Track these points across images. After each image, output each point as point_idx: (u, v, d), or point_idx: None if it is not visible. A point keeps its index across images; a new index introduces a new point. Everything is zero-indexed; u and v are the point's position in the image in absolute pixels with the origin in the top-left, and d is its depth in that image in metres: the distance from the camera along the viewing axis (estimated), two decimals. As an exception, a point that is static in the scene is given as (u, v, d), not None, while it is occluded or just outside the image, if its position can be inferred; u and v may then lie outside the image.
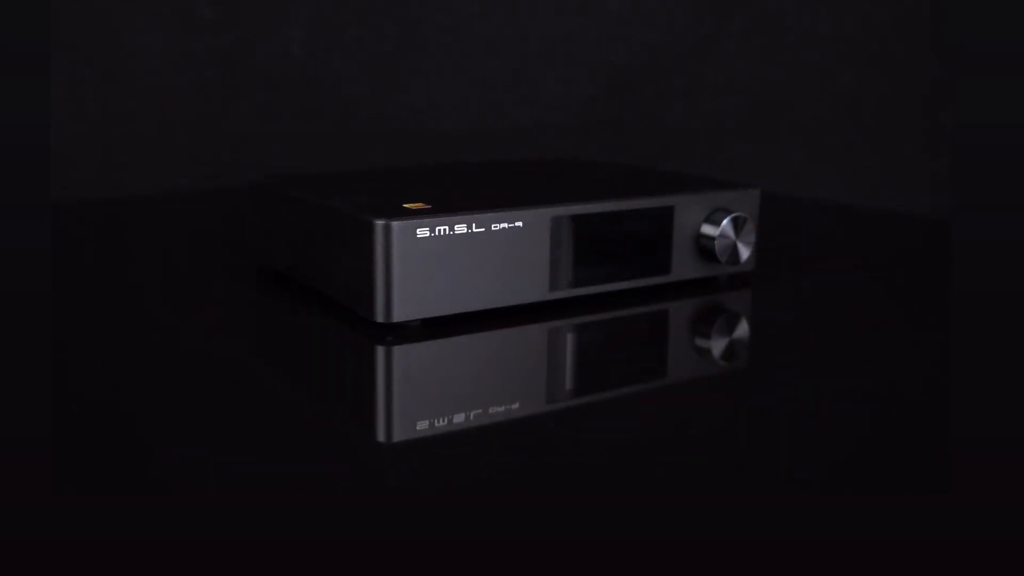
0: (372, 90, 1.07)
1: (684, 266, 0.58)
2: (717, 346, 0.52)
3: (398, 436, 0.41)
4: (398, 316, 0.49)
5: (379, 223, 0.48)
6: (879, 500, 0.34)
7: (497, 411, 0.42)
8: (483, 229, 0.50)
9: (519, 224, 0.51)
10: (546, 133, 1.12)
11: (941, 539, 0.31)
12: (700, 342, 0.53)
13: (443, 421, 0.41)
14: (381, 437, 0.41)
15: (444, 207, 0.50)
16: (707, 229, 0.57)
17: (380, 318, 0.49)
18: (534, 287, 0.53)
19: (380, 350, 0.48)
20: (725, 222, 0.57)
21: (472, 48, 1.09)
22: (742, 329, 0.55)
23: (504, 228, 0.51)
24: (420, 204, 0.51)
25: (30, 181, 0.42)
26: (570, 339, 0.53)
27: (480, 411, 0.42)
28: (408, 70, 1.08)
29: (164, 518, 0.32)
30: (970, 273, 0.43)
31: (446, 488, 0.35)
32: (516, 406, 0.44)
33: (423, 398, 0.45)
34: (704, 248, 0.58)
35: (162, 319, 0.54)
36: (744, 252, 0.58)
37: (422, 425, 0.41)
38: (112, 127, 1.00)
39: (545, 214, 0.52)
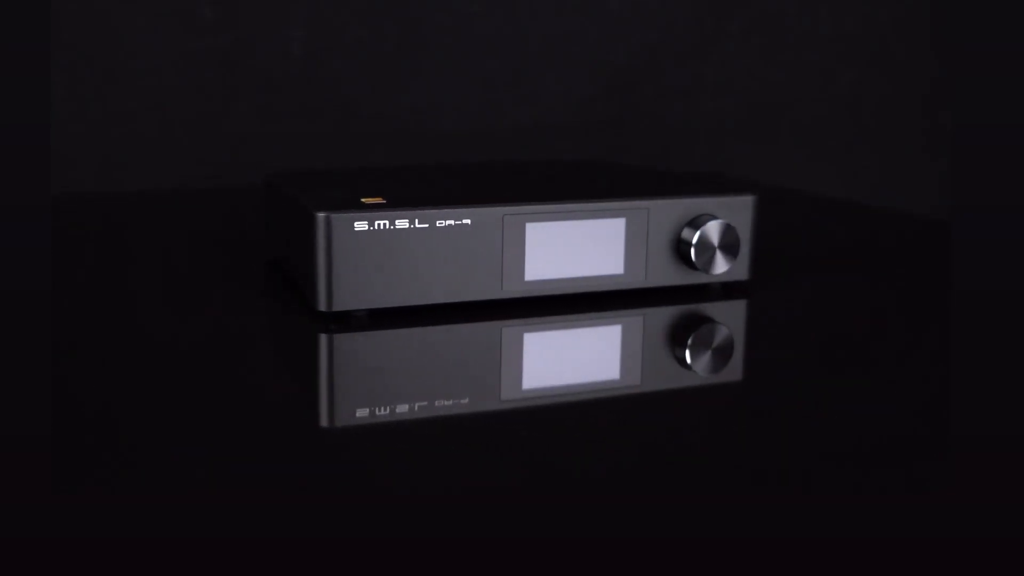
0: (372, 90, 1.07)
1: (661, 272, 0.56)
2: (683, 353, 0.51)
3: (337, 422, 0.42)
4: (338, 305, 0.50)
5: (320, 215, 0.50)
6: (879, 500, 0.34)
7: (444, 404, 0.43)
8: (427, 225, 0.51)
9: (467, 221, 0.52)
10: (546, 133, 1.12)
11: (941, 539, 0.31)
12: (664, 348, 0.52)
13: (384, 410, 0.42)
14: (324, 422, 0.41)
15: (397, 202, 0.52)
16: (686, 234, 0.56)
17: (322, 307, 0.51)
18: (486, 284, 0.53)
19: (322, 338, 0.50)
20: (704, 229, 0.55)
21: (472, 48, 1.09)
22: (719, 337, 0.54)
23: (450, 225, 0.51)
24: (378, 199, 0.52)
25: (30, 181, 0.42)
26: (524, 338, 0.52)
27: (426, 403, 0.43)
28: (408, 70, 1.08)
29: (164, 518, 0.32)
30: (970, 273, 0.43)
31: (381, 478, 0.35)
32: (465, 400, 0.44)
33: (363, 386, 0.46)
34: (683, 254, 0.56)
35: (159, 318, 0.54)
36: (723, 261, 0.56)
37: (362, 413, 0.42)
38: (112, 127, 1.00)
39: (496, 212, 0.52)
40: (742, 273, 0.58)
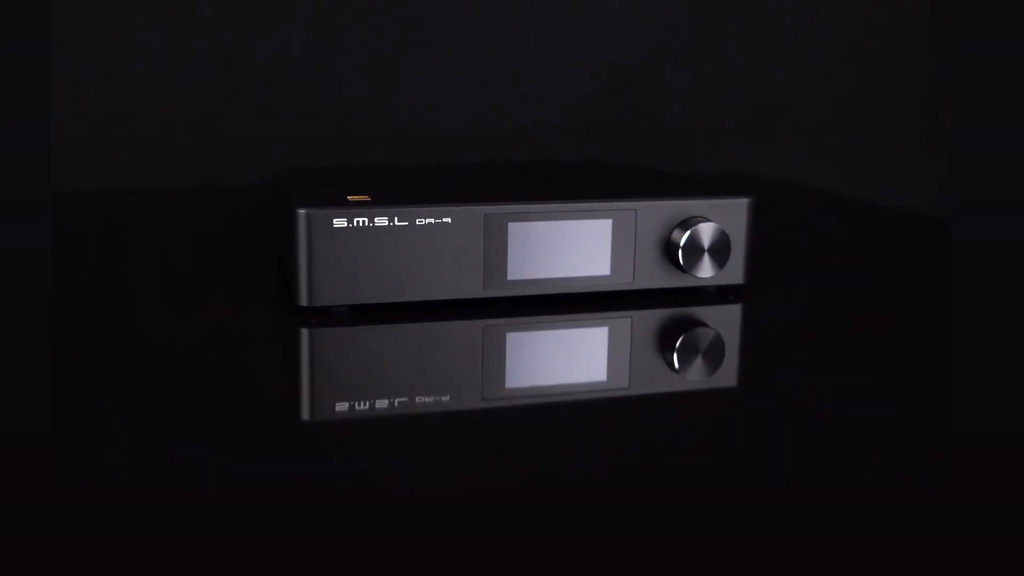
0: (372, 90, 1.07)
1: (650, 274, 0.56)
2: (670, 355, 0.50)
3: (315, 416, 0.42)
4: (318, 301, 0.51)
5: (301, 211, 0.50)
6: (879, 500, 0.34)
7: (425, 401, 0.43)
8: (406, 223, 0.51)
9: (447, 220, 0.52)
10: (546, 133, 1.12)
11: (941, 539, 0.31)
12: (652, 350, 0.52)
13: (364, 405, 0.42)
14: (304, 416, 0.42)
15: (382, 200, 0.52)
16: (675, 236, 0.55)
17: (303, 302, 0.51)
18: (467, 283, 0.53)
19: (303, 333, 0.51)
20: (692, 232, 0.54)
21: (472, 48, 1.09)
22: (708, 340, 0.53)
23: (430, 223, 0.52)
24: (364, 197, 0.53)
25: (30, 180, 0.42)
26: (507, 338, 0.53)
27: (405, 399, 0.43)
28: (408, 70, 1.08)
29: (164, 518, 0.32)
30: (970, 273, 0.43)
31: (359, 473, 0.35)
32: (446, 398, 0.44)
33: (343, 381, 0.47)
34: (672, 256, 0.55)
35: (153, 316, 0.54)
36: (710, 265, 0.55)
37: (341, 407, 0.42)
38: (112, 127, 1.00)
39: (477, 212, 0.52)
40: (736, 276, 0.57)
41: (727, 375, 0.49)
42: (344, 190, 0.54)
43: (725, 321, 0.56)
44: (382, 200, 0.52)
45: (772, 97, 1.20)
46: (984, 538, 0.31)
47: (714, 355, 0.51)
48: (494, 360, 0.50)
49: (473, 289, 0.53)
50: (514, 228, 0.53)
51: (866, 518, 0.33)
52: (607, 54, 1.14)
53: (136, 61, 1.00)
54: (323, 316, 0.52)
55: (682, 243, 0.55)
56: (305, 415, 0.42)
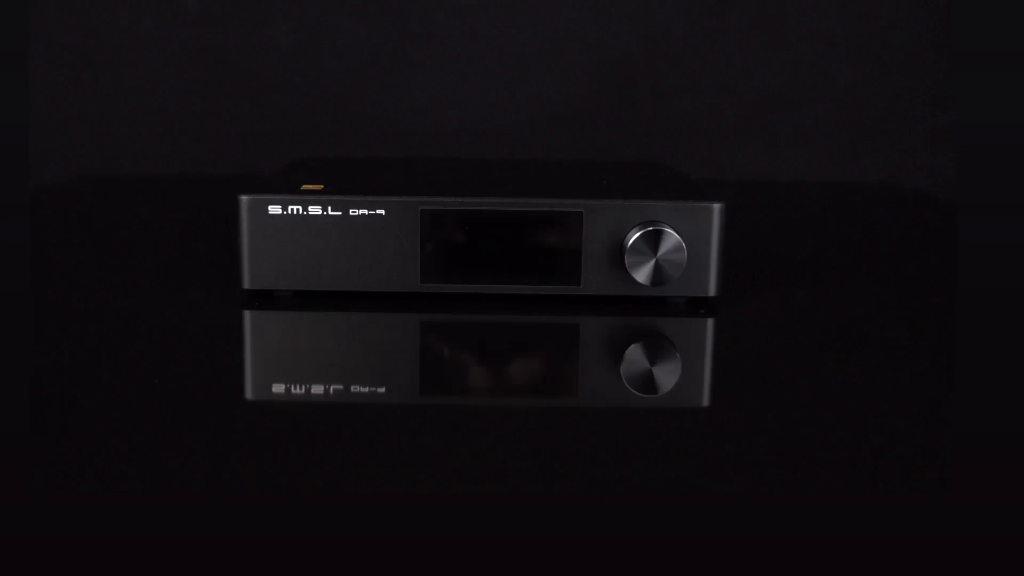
0: (371, 89, 1.07)
1: (598, 280, 0.53)
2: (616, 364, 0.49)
3: (254, 396, 0.44)
4: (257, 284, 0.53)
5: (243, 198, 0.53)
6: (879, 500, 0.34)
7: (360, 391, 0.44)
8: (340, 213, 0.52)
9: (381, 212, 0.52)
10: (546, 132, 1.12)
11: (941, 539, 0.31)
12: (594, 357, 0.51)
13: (300, 388, 0.44)
14: (249, 395, 0.44)
15: (333, 190, 0.53)
16: (626, 240, 0.51)
17: (245, 284, 0.53)
18: (404, 277, 0.53)
19: (247, 315, 0.53)
20: (637, 236, 0.51)
21: (471, 46, 1.09)
22: (648, 353, 0.51)
23: (364, 215, 0.52)
24: (318, 186, 0.54)
25: (16, 179, 0.42)
26: (445, 334, 0.53)
27: (340, 387, 0.44)
28: (407, 69, 1.08)
29: (164, 518, 0.32)
30: (972, 273, 0.43)
31: (292, 454, 0.36)
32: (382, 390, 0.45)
33: (280, 363, 0.49)
34: (622, 263, 0.52)
35: (155, 317, 0.54)
36: (648, 273, 0.51)
37: (278, 388, 0.45)
38: (112, 127, 1.00)
39: (413, 204, 0.52)
40: (705, 288, 0.53)
41: (691, 394, 0.46)
42: (308, 180, 0.55)
43: (694, 335, 0.53)
44: (333, 190, 0.53)
45: (772, 97, 1.20)
46: (984, 538, 0.31)
47: (666, 370, 0.48)
48: (430, 355, 0.50)
49: (410, 283, 0.53)
50: (450, 223, 0.53)
51: (866, 518, 0.32)
52: (607, 53, 1.14)
53: (135, 61, 1.00)
54: (266, 299, 0.54)
55: (627, 247, 0.51)
56: (249, 395, 0.44)
